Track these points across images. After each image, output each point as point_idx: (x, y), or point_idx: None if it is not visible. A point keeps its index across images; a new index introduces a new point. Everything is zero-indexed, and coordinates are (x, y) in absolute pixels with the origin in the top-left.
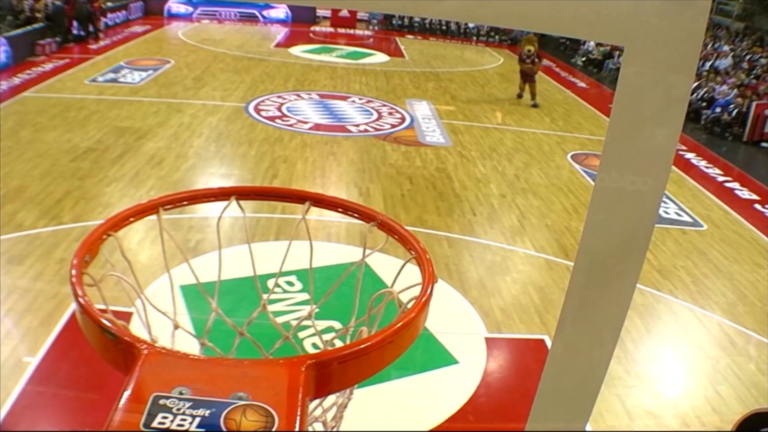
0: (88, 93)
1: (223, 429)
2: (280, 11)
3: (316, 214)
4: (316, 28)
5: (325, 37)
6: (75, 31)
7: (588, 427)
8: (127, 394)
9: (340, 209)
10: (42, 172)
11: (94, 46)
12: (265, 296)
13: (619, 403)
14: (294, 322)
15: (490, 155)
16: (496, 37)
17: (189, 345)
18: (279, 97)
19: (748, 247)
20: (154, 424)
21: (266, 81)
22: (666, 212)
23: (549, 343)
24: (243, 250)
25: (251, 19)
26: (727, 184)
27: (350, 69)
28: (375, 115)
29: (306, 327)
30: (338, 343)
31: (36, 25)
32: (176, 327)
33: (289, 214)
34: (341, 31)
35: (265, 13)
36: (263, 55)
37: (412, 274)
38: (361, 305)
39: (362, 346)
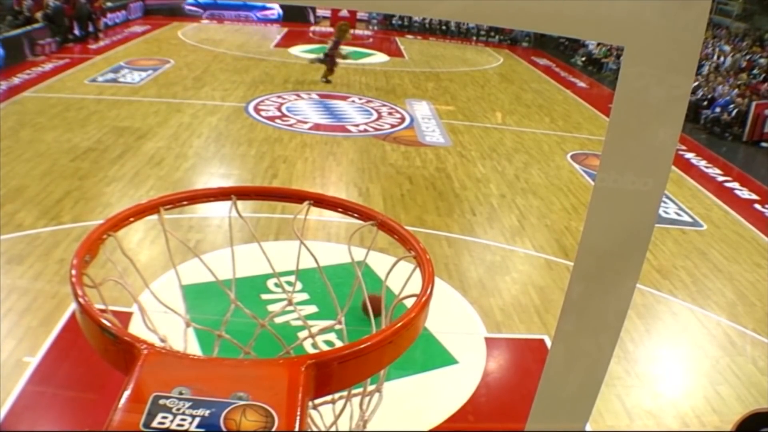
0: (87, 93)
1: (223, 429)
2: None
3: (316, 214)
4: (316, 28)
5: (325, 37)
6: (75, 31)
7: (588, 427)
8: (127, 394)
9: (340, 209)
10: (42, 172)
11: (93, 46)
12: (279, 296)
13: (619, 403)
14: (294, 322)
15: (489, 155)
16: (496, 37)
17: (188, 345)
18: (279, 97)
19: (747, 247)
20: (154, 424)
21: (266, 81)
22: (666, 212)
23: (549, 343)
24: (243, 250)
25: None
26: (727, 184)
27: (350, 69)
28: (375, 115)
29: (301, 327)
30: (338, 343)
31: (36, 25)
32: (188, 325)
33: (288, 214)
34: None
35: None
36: (263, 55)
37: (407, 270)
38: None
39: (362, 346)
